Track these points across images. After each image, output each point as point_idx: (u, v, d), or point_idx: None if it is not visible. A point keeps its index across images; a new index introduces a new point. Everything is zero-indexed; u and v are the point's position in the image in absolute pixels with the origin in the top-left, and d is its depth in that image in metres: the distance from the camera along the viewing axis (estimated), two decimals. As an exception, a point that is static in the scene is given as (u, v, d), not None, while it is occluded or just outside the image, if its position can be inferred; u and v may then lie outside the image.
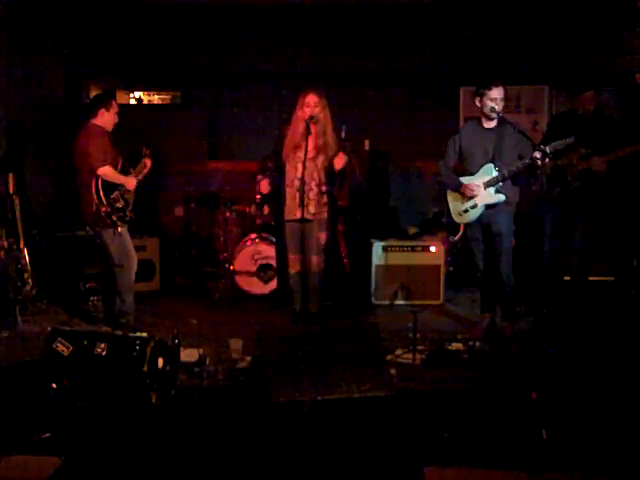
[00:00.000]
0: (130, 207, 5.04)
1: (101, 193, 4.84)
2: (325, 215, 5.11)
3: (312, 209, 5.05)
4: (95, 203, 4.83)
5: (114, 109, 5.02)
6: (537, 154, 4.32)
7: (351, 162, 5.19)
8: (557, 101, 7.44)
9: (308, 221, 5.07)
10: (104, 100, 5.10)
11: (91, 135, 4.91)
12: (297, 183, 4.98)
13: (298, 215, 4.95)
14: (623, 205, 5.96)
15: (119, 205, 4.92)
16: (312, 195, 5.03)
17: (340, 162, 4.95)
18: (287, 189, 5.07)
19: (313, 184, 5.03)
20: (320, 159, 5.01)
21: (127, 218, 5.00)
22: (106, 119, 4.99)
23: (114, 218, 4.88)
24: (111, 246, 4.96)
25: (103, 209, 4.83)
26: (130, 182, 5.00)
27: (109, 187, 4.89)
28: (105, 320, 5.13)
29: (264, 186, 5.81)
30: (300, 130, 4.92)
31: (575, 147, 4.79)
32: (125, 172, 5.04)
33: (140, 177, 5.13)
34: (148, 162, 5.18)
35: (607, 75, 7.00)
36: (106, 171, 4.85)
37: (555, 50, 7.12)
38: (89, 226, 5.04)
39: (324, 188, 5.07)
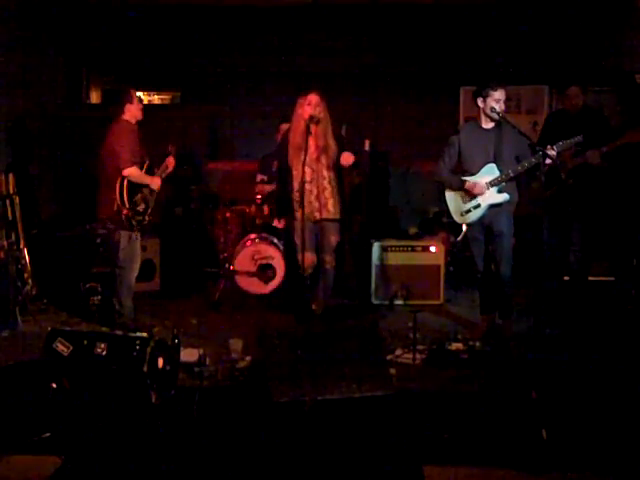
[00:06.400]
0: (150, 210, 4.96)
1: (125, 194, 4.74)
2: (339, 215, 5.13)
3: (331, 208, 5.07)
4: (117, 204, 4.73)
5: (136, 100, 4.93)
6: (551, 152, 4.30)
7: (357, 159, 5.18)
8: (557, 101, 7.44)
9: (324, 221, 5.09)
10: (124, 94, 4.98)
11: (120, 133, 4.83)
12: (298, 185, 4.96)
13: (300, 216, 4.95)
14: (621, 203, 5.95)
15: (140, 208, 4.85)
16: (327, 194, 5.06)
17: (348, 159, 4.92)
18: (294, 192, 5.03)
19: (325, 183, 5.06)
20: (323, 159, 5.03)
21: (145, 222, 4.92)
22: (132, 112, 4.90)
23: (133, 222, 4.80)
24: (122, 248, 4.88)
25: (124, 211, 4.73)
26: (155, 182, 4.94)
27: (133, 188, 4.80)
28: (102, 320, 5.12)
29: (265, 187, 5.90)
30: (300, 129, 4.90)
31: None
32: (150, 172, 4.98)
33: (163, 176, 5.07)
34: (171, 161, 5.11)
35: (607, 75, 7.02)
36: (132, 172, 4.76)
37: (555, 50, 7.13)
38: (105, 225, 4.92)
39: (337, 185, 5.09)
